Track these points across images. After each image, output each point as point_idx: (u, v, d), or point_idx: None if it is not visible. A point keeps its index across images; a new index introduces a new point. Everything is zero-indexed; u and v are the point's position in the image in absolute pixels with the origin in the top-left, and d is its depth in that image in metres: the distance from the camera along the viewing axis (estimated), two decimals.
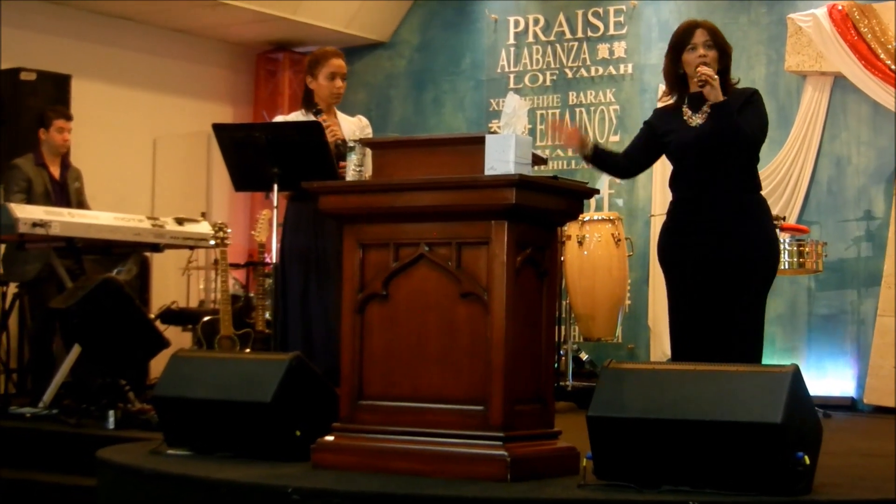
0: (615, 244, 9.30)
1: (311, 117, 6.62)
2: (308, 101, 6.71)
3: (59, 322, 7.63)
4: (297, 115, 6.74)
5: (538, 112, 10.98)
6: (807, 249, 8.46)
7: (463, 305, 4.70)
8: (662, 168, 10.06)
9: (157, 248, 8.32)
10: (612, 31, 10.79)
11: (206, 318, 9.11)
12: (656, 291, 10.12)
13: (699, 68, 5.43)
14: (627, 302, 10.02)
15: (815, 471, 4.26)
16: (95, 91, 10.69)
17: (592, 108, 10.85)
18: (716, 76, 5.41)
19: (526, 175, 4.63)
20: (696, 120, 5.53)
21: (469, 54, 11.57)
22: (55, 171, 8.53)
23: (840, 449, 5.91)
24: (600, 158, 5.77)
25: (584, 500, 4.26)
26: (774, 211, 9.19)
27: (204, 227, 8.50)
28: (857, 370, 9.46)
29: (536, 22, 11.16)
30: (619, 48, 10.74)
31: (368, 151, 5.15)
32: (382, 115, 11.81)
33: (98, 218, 7.92)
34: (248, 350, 8.77)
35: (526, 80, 11.16)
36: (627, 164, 5.88)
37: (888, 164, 9.44)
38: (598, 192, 5.46)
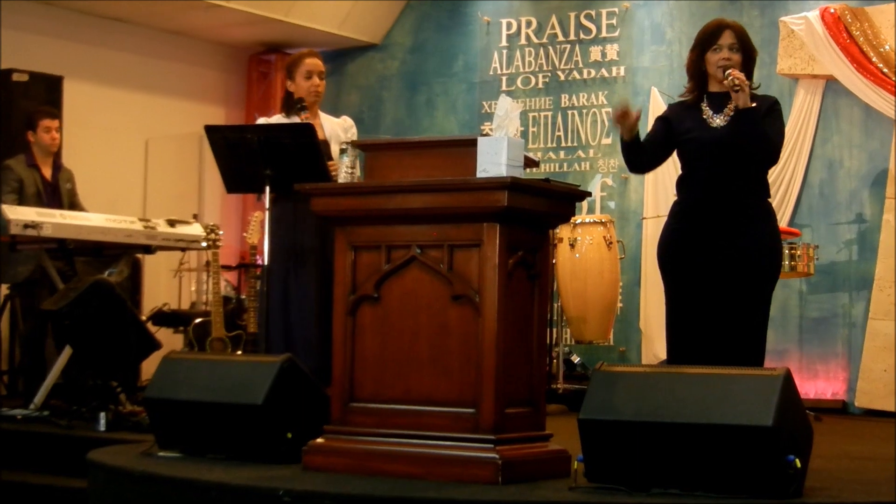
0: (607, 247, 9.30)
1: (295, 119, 6.64)
2: (288, 104, 6.76)
3: (50, 323, 7.61)
4: (279, 118, 6.77)
5: (530, 114, 10.99)
6: (798, 252, 8.46)
7: (455, 308, 4.70)
8: (654, 171, 10.07)
9: (148, 249, 8.32)
10: (604, 34, 10.79)
11: (197, 320, 9.10)
12: (648, 294, 10.13)
13: (732, 72, 5.37)
14: (619, 305, 10.02)
15: (806, 474, 4.27)
16: (87, 92, 10.68)
17: (585, 111, 10.85)
18: (747, 81, 5.39)
19: (518, 178, 4.63)
20: (718, 121, 5.46)
21: (461, 56, 11.57)
22: (47, 173, 8.52)
23: (831, 452, 5.92)
24: (636, 145, 5.63)
25: (574, 502, 4.26)
26: None
27: (196, 229, 8.50)
28: (849, 373, 9.47)
29: (529, 24, 11.16)
30: (612, 50, 10.74)
31: (360, 153, 5.16)
32: (375, 117, 11.82)
33: (90, 219, 7.92)
34: (239, 352, 8.76)
35: (518, 82, 11.17)
36: (648, 159, 5.80)
37: (880, 168, 9.45)
38: (589, 194, 5.47)
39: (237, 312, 9.62)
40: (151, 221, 8.22)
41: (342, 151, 5.22)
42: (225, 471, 4.82)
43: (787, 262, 8.42)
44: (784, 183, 9.72)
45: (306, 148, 6.22)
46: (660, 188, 9.74)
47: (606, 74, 10.76)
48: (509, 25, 11.26)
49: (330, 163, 6.08)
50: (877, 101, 9.32)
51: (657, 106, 9.64)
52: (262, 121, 6.94)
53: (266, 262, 6.42)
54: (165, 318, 9.85)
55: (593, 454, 4.37)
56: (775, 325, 9.74)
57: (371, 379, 4.84)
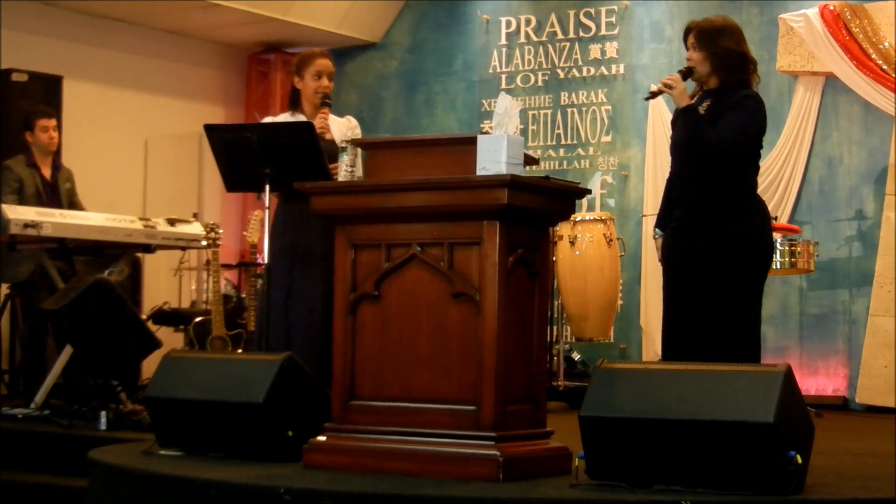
0: (607, 244, 9.30)
1: (300, 116, 6.64)
2: (295, 102, 6.74)
3: (50, 323, 7.61)
4: (286, 117, 6.75)
5: (530, 112, 10.99)
6: (798, 249, 8.46)
7: (455, 306, 4.69)
8: (654, 168, 10.08)
9: (148, 248, 8.31)
10: (603, 32, 10.80)
11: (197, 319, 9.10)
12: (648, 291, 10.13)
13: (666, 78, 5.59)
14: (619, 302, 10.03)
15: (807, 470, 4.26)
16: (87, 92, 10.68)
17: (584, 109, 10.85)
18: (674, 82, 5.54)
19: (518, 175, 4.63)
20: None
21: (461, 55, 11.57)
22: (46, 172, 8.52)
23: (832, 448, 5.92)
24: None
25: (576, 499, 4.26)
26: None
27: (196, 228, 8.50)
28: (849, 370, 9.48)
29: (528, 22, 11.17)
30: (611, 48, 10.75)
31: (360, 152, 5.16)
32: (374, 115, 11.82)
33: (90, 219, 7.92)
34: (239, 351, 8.76)
35: (518, 80, 11.17)
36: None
37: (879, 164, 9.45)
38: (589, 192, 5.47)
39: (237, 311, 9.62)
40: (151, 220, 8.22)
41: (342, 150, 5.22)
42: (226, 469, 4.82)
43: (787, 259, 8.42)
44: (784, 180, 9.73)
45: (306, 147, 6.22)
46: (660, 185, 9.67)
47: (606, 72, 10.76)
48: (508, 24, 11.26)
49: (332, 165, 6.07)
50: (876, 98, 9.32)
51: (656, 104, 9.64)
52: (268, 119, 6.93)
53: (266, 261, 6.42)
54: (166, 316, 9.85)
55: (594, 451, 4.37)
56: (776, 322, 9.76)
57: (371, 377, 4.84)
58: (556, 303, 9.23)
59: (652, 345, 9.97)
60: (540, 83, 11.08)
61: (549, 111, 10.99)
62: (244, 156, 6.31)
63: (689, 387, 4.31)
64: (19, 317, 8.65)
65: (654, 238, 5.95)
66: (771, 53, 9.85)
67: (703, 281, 5.54)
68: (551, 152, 10.93)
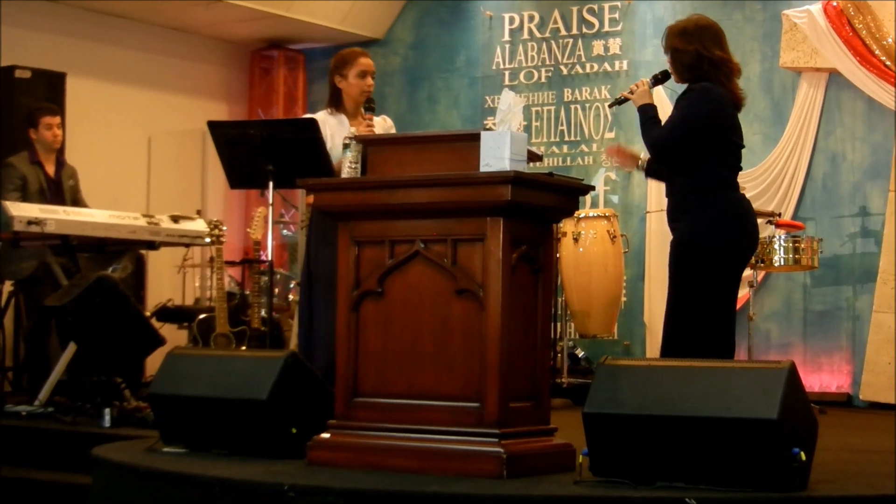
0: (611, 241, 9.30)
1: (342, 116, 6.60)
2: (336, 101, 6.68)
3: (54, 320, 7.62)
4: (324, 114, 6.68)
5: (533, 109, 10.99)
6: (802, 246, 8.46)
7: (458, 302, 4.69)
8: None
9: (152, 245, 8.31)
10: (606, 28, 10.79)
11: (201, 316, 9.10)
12: (652, 288, 10.13)
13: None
14: (623, 298, 10.02)
15: (811, 467, 4.26)
16: (90, 89, 10.68)
17: (588, 105, 10.85)
18: (637, 86, 5.79)
19: (521, 172, 4.63)
20: None
21: (464, 51, 11.57)
22: (50, 169, 8.52)
23: (836, 445, 5.91)
24: (651, 168, 5.95)
25: (579, 496, 4.25)
26: (770, 207, 9.25)
27: (199, 225, 8.50)
28: (853, 366, 9.47)
29: (531, 19, 11.16)
30: (614, 45, 10.74)
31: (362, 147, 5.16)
32: (377, 112, 11.76)
33: (93, 216, 7.92)
34: (243, 348, 8.76)
35: (521, 76, 11.16)
36: None
37: (883, 160, 9.45)
38: (593, 188, 5.49)
39: (241, 308, 9.61)
40: (155, 217, 8.22)
41: (345, 146, 5.22)
42: (229, 466, 4.82)
43: (791, 256, 8.42)
44: (787, 176, 9.73)
45: (308, 143, 6.21)
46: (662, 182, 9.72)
47: (609, 69, 10.75)
48: (512, 20, 11.25)
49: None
50: (880, 94, 9.32)
51: (659, 100, 9.63)
52: (308, 117, 6.85)
53: (301, 268, 6.37)
54: (169, 313, 9.85)
55: (598, 448, 4.37)
56: (779, 319, 9.76)
57: (375, 373, 4.84)
58: (559, 299, 9.23)
59: (656, 341, 9.94)
60: (543, 79, 11.07)
61: (553, 107, 10.99)
62: (247, 152, 6.31)
63: (693, 383, 4.31)
64: (23, 314, 8.65)
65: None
66: (774, 50, 9.85)
67: (670, 272, 5.69)
68: (555, 149, 10.93)
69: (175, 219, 8.31)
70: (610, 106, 6.16)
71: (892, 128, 9.34)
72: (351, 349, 4.89)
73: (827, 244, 9.09)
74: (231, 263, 10.07)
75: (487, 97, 11.28)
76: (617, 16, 10.74)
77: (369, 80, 6.69)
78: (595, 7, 10.85)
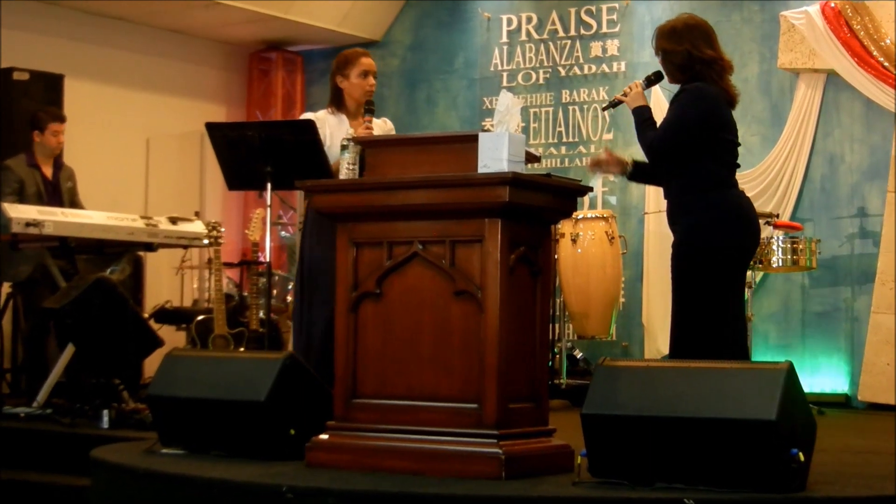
0: (609, 242, 9.30)
1: (343, 116, 6.61)
2: (338, 101, 6.69)
3: (52, 322, 7.61)
4: (325, 114, 6.69)
5: (531, 110, 10.99)
6: (800, 247, 8.47)
7: (457, 304, 4.69)
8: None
9: (150, 247, 8.31)
10: (604, 29, 10.79)
11: (199, 318, 9.10)
12: (650, 289, 10.13)
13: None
14: (621, 300, 10.03)
15: (810, 468, 4.27)
16: (88, 91, 10.68)
17: (586, 106, 10.85)
18: (630, 88, 5.78)
19: (519, 173, 4.63)
20: None
21: (462, 53, 11.57)
22: (48, 172, 8.52)
23: (834, 446, 5.92)
24: (641, 171, 5.93)
25: (578, 497, 4.25)
26: (768, 208, 9.25)
27: (197, 227, 8.49)
28: (851, 367, 9.47)
29: (529, 20, 11.16)
30: (612, 46, 10.75)
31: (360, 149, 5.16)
32: (375, 113, 11.77)
33: (91, 217, 7.91)
34: (242, 349, 8.76)
35: (519, 78, 11.16)
36: None
37: (881, 161, 9.45)
38: (591, 189, 5.48)
39: (239, 309, 9.62)
40: (153, 219, 8.21)
41: (343, 148, 5.22)
42: (228, 468, 4.82)
43: (789, 257, 8.43)
44: (785, 177, 9.73)
45: (307, 145, 6.22)
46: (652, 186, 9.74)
47: (607, 70, 10.76)
48: (510, 21, 11.26)
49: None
50: (878, 95, 9.32)
51: (658, 101, 9.64)
52: (307, 115, 6.85)
53: (297, 265, 6.38)
54: (167, 315, 9.85)
55: (596, 449, 4.37)
56: (777, 320, 9.76)
57: (373, 375, 4.84)
58: (558, 300, 9.23)
59: (654, 342, 9.98)
60: (541, 81, 11.08)
61: (551, 109, 10.99)
62: (246, 154, 6.31)
63: (692, 384, 4.31)
64: (21, 315, 8.65)
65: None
66: (772, 51, 9.85)
67: (672, 274, 5.65)
68: (553, 150, 10.93)
69: (173, 220, 8.30)
70: (604, 109, 6.15)
71: (890, 129, 9.34)
72: (350, 351, 4.89)
73: (825, 245, 9.09)
74: (229, 265, 10.07)
75: (485, 98, 11.28)
76: (615, 17, 10.75)
77: (371, 80, 6.70)
78: (593, 8, 10.86)
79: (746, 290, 8.39)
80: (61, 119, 8.66)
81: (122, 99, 11.16)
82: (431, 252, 4.75)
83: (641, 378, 4.43)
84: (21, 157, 8.48)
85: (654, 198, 10.00)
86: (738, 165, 5.77)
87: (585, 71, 10.87)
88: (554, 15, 11.04)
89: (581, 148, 10.84)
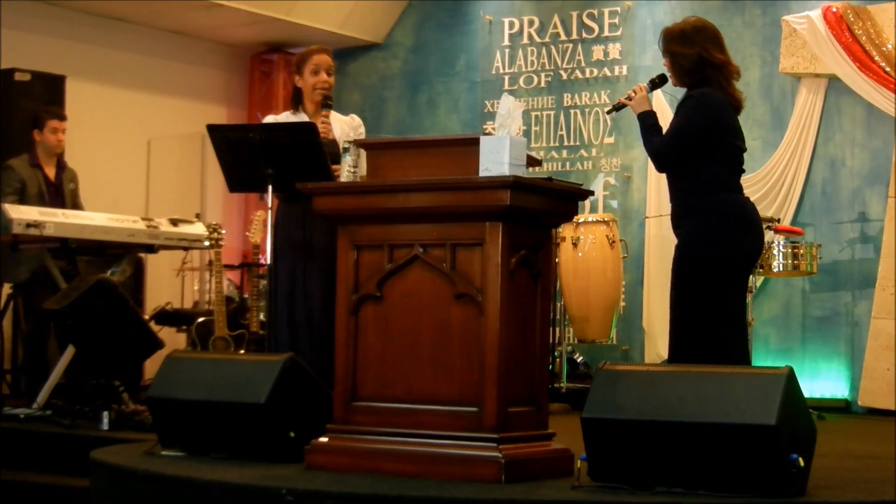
0: (610, 246, 9.30)
1: (303, 116, 6.62)
2: (296, 101, 6.71)
3: (53, 323, 7.61)
4: (287, 115, 6.73)
5: (533, 114, 10.99)
6: (801, 251, 8.47)
7: (457, 307, 4.69)
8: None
9: (151, 248, 8.31)
10: (606, 33, 10.79)
11: (200, 319, 9.10)
12: (651, 293, 10.13)
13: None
14: (622, 304, 10.02)
15: (810, 473, 4.26)
16: (90, 92, 10.68)
17: (587, 110, 10.85)
18: (635, 91, 5.75)
19: (520, 176, 4.63)
20: None
21: (463, 56, 11.57)
22: (50, 172, 8.52)
23: (834, 451, 5.92)
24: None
25: (577, 501, 4.26)
26: (769, 212, 9.24)
27: (198, 228, 8.50)
28: (852, 372, 9.47)
29: (531, 23, 11.16)
30: (614, 50, 10.74)
31: (363, 152, 5.16)
32: (376, 116, 11.81)
33: (92, 219, 7.91)
34: (242, 351, 8.76)
35: (521, 81, 11.16)
36: None
37: (882, 166, 9.45)
38: (592, 193, 5.49)
39: (240, 311, 9.62)
40: (154, 221, 8.22)
41: (344, 150, 5.22)
42: (227, 470, 4.82)
43: (789, 261, 8.44)
44: (786, 182, 9.73)
45: (308, 147, 6.21)
46: (662, 187, 9.70)
47: (609, 73, 10.76)
48: (511, 24, 11.26)
49: (335, 166, 6.04)
50: (879, 100, 9.32)
51: (659, 104, 9.64)
52: (269, 118, 6.89)
53: (269, 261, 6.42)
54: (168, 317, 9.85)
55: (596, 453, 4.37)
56: (778, 324, 9.76)
57: (373, 378, 4.84)
58: (558, 304, 9.23)
59: (654, 346, 9.98)
60: (543, 84, 11.08)
61: (552, 112, 10.99)
62: (247, 156, 6.31)
63: (692, 389, 4.31)
64: (21, 317, 8.65)
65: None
66: (774, 55, 9.85)
67: (673, 278, 5.64)
68: (554, 153, 10.93)
69: (174, 222, 8.31)
70: (608, 112, 6.13)
71: (891, 134, 9.34)
72: (350, 353, 4.89)
73: (826, 250, 9.09)
74: (230, 267, 10.08)
75: (487, 102, 11.28)
76: (617, 21, 10.74)
77: (323, 76, 6.66)
78: (595, 12, 10.86)
79: (747, 294, 8.42)
80: (61, 117, 8.66)
81: (124, 100, 11.16)
82: (432, 255, 4.75)
83: (642, 382, 4.43)
84: (24, 157, 8.48)
85: (654, 202, 10.01)
86: (744, 171, 5.77)
87: (587, 74, 10.86)
88: (556, 18, 11.04)
89: (582, 151, 10.84)
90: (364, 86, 12.06)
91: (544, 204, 4.83)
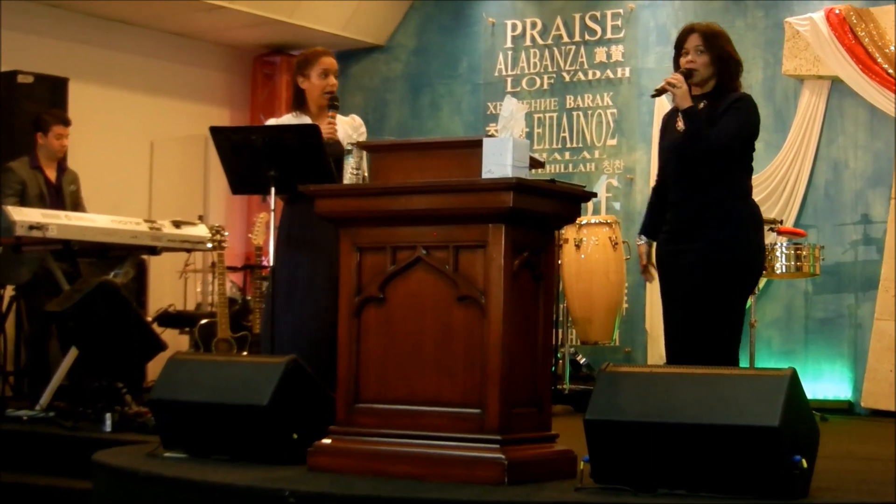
0: (612, 248, 9.30)
1: (305, 118, 6.60)
2: (299, 103, 6.67)
3: (55, 325, 7.62)
4: (289, 118, 6.71)
5: (535, 116, 10.99)
6: (804, 253, 8.47)
7: (460, 309, 4.69)
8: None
9: (154, 250, 8.31)
10: (609, 35, 10.79)
11: (203, 321, 9.11)
12: (653, 295, 10.11)
13: (669, 77, 5.51)
14: (625, 305, 10.02)
15: (813, 474, 4.26)
16: (93, 94, 10.69)
17: (590, 112, 10.85)
18: (678, 82, 5.47)
19: (523, 178, 4.63)
20: (681, 125, 5.55)
21: (466, 58, 11.57)
22: (51, 175, 8.52)
23: (837, 452, 5.91)
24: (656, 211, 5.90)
25: (580, 503, 4.25)
26: (772, 214, 9.24)
27: (201, 230, 8.50)
28: (854, 374, 9.47)
29: (534, 25, 11.16)
30: (617, 52, 10.74)
31: (365, 154, 5.15)
32: (379, 118, 11.81)
33: (95, 221, 7.91)
34: (245, 353, 8.76)
35: (523, 83, 11.16)
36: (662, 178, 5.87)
37: (885, 168, 9.44)
38: (595, 195, 5.47)
39: (242, 313, 9.62)
40: (157, 223, 8.22)
41: (347, 153, 5.21)
42: (230, 472, 4.82)
43: (792, 263, 8.44)
44: (789, 184, 9.73)
45: (311, 149, 6.21)
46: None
47: (612, 75, 10.75)
48: (514, 27, 11.26)
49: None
50: (882, 102, 9.32)
51: (662, 107, 9.63)
52: (272, 122, 6.86)
53: (272, 263, 6.41)
54: (171, 319, 9.85)
55: (599, 455, 4.37)
56: (781, 326, 9.76)
57: (376, 380, 4.84)
58: (561, 306, 9.23)
59: (657, 348, 9.97)
60: (545, 86, 11.07)
61: (555, 114, 10.99)
62: (249, 158, 6.30)
63: (694, 390, 4.31)
64: (24, 319, 8.66)
65: (638, 244, 5.90)
66: (776, 57, 9.85)
67: (692, 283, 5.51)
68: (557, 156, 10.93)
69: (177, 224, 8.31)
70: (653, 96, 5.89)
71: (893, 136, 9.33)
72: (352, 355, 4.89)
73: (829, 252, 9.09)
74: (233, 269, 10.09)
75: (490, 104, 11.28)
76: (619, 23, 10.74)
77: (332, 80, 6.63)
78: (598, 14, 10.86)
79: (751, 296, 8.43)
80: (66, 122, 8.66)
81: (126, 102, 11.17)
82: (435, 257, 4.75)
83: (644, 384, 4.43)
84: (24, 159, 8.48)
85: None
86: None
87: (590, 76, 10.86)
88: (558, 20, 11.04)
89: (585, 153, 10.84)
90: (366, 88, 12.06)
91: (547, 206, 4.83)
